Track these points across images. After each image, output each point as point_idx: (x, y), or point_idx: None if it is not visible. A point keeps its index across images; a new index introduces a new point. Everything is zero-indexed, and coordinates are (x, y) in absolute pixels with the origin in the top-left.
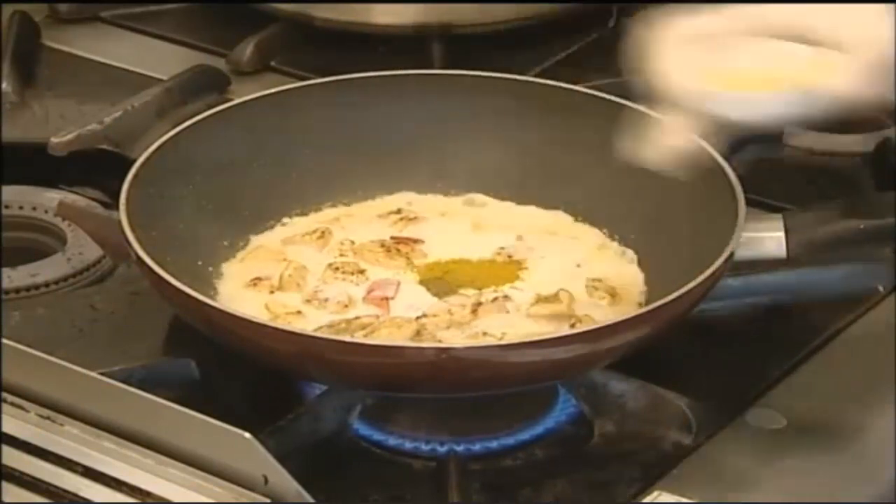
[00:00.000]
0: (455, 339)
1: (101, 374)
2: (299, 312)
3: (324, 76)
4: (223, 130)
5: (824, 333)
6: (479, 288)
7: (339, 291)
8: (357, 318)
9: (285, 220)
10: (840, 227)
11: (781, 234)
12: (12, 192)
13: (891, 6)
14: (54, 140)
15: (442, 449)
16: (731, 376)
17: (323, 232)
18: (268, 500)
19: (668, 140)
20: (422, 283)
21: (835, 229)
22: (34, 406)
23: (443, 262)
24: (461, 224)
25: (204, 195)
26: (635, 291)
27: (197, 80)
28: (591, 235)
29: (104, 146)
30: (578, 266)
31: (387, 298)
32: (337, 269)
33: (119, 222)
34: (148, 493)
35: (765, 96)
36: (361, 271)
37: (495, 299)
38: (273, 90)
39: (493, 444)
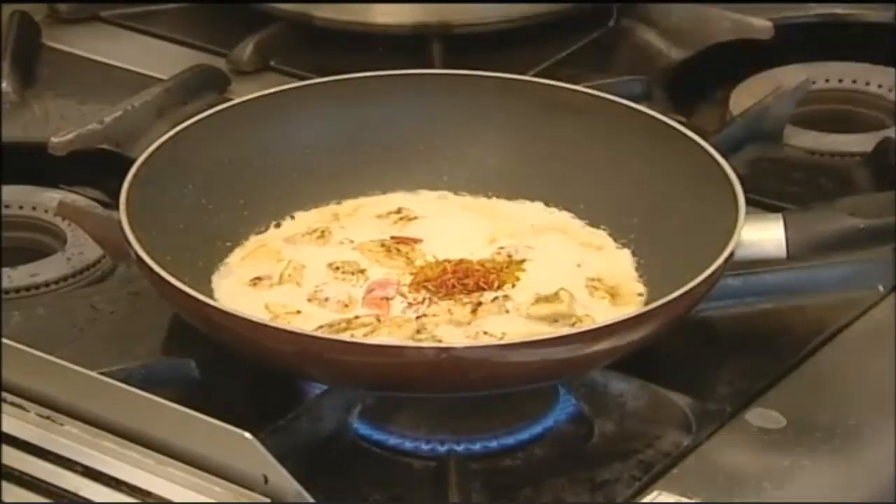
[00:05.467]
0: (455, 339)
1: (101, 374)
2: (299, 312)
3: (324, 76)
4: (223, 130)
5: (824, 333)
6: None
7: (339, 291)
8: (357, 317)
9: (285, 219)
10: (840, 227)
11: (781, 234)
12: (12, 192)
13: None
14: (54, 140)
15: (442, 449)
16: (731, 376)
17: (323, 231)
18: (268, 500)
19: None
20: None
21: (835, 229)
22: (34, 406)
23: (443, 262)
24: (461, 223)
25: (204, 195)
26: (635, 291)
27: (197, 80)
28: (590, 235)
29: (104, 146)
30: (578, 266)
31: (387, 298)
32: (337, 268)
33: (119, 222)
34: (148, 493)
35: None
36: (361, 271)
37: (495, 299)
38: (273, 90)
39: (493, 444)
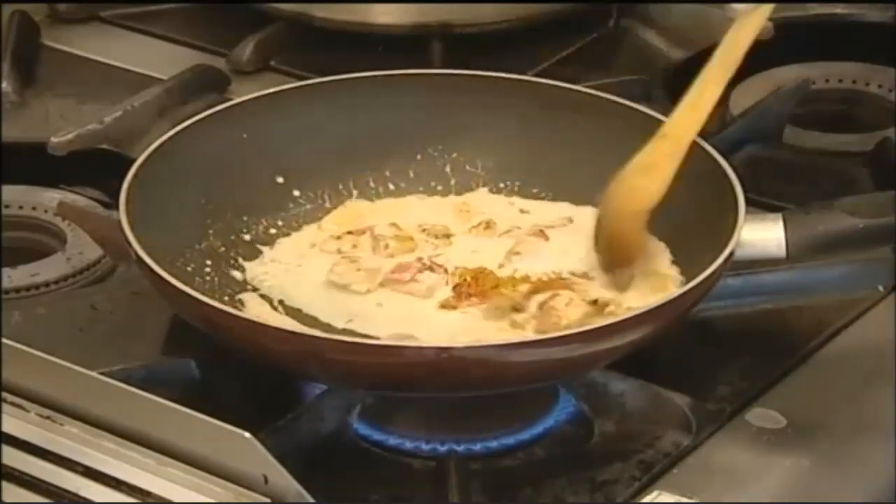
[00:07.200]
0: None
1: (101, 374)
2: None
3: (324, 76)
4: (223, 130)
5: (824, 333)
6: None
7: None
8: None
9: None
10: (840, 227)
11: (781, 234)
12: (12, 192)
13: None
14: (54, 140)
15: (442, 449)
16: (731, 376)
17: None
18: (268, 500)
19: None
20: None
21: (835, 229)
22: (34, 406)
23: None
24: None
25: (204, 195)
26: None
27: (197, 80)
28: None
29: (104, 146)
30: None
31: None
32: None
33: (119, 222)
34: (148, 493)
35: None
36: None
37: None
38: (273, 90)
39: (493, 444)
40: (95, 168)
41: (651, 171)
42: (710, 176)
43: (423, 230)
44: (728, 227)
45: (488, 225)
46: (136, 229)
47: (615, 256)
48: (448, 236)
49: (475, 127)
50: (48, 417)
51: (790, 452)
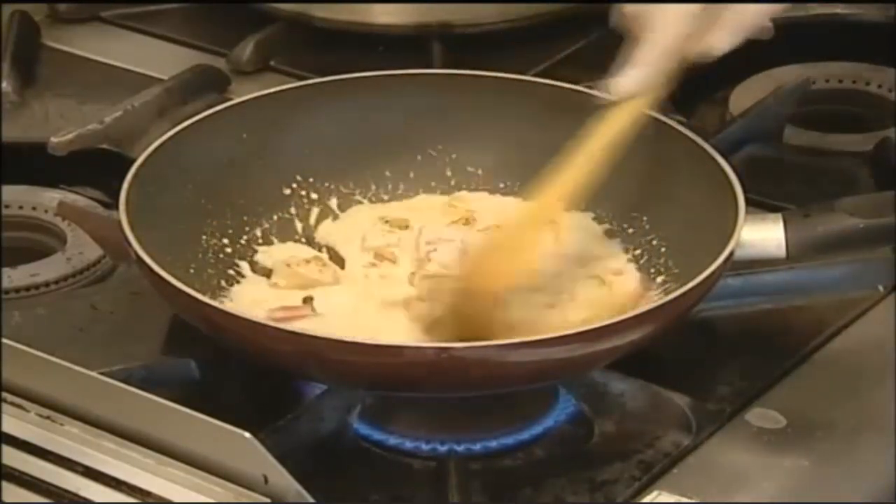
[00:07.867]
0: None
1: (101, 374)
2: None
3: (324, 76)
4: (223, 130)
5: (824, 333)
6: None
7: None
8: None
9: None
10: (840, 227)
11: (781, 234)
12: (12, 192)
13: None
14: (54, 140)
15: (442, 449)
16: (731, 376)
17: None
18: (268, 500)
19: None
20: None
21: (835, 229)
22: (34, 406)
23: None
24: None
25: (204, 195)
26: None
27: (197, 80)
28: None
29: (104, 146)
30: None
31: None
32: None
33: (119, 222)
34: (148, 493)
35: None
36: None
37: None
38: (273, 90)
39: (493, 444)
40: (95, 168)
41: (513, 254)
42: (710, 176)
43: (386, 221)
44: (728, 227)
45: (467, 220)
46: (136, 229)
47: (463, 330)
48: (406, 227)
49: (475, 127)
50: (48, 417)
51: (790, 452)
